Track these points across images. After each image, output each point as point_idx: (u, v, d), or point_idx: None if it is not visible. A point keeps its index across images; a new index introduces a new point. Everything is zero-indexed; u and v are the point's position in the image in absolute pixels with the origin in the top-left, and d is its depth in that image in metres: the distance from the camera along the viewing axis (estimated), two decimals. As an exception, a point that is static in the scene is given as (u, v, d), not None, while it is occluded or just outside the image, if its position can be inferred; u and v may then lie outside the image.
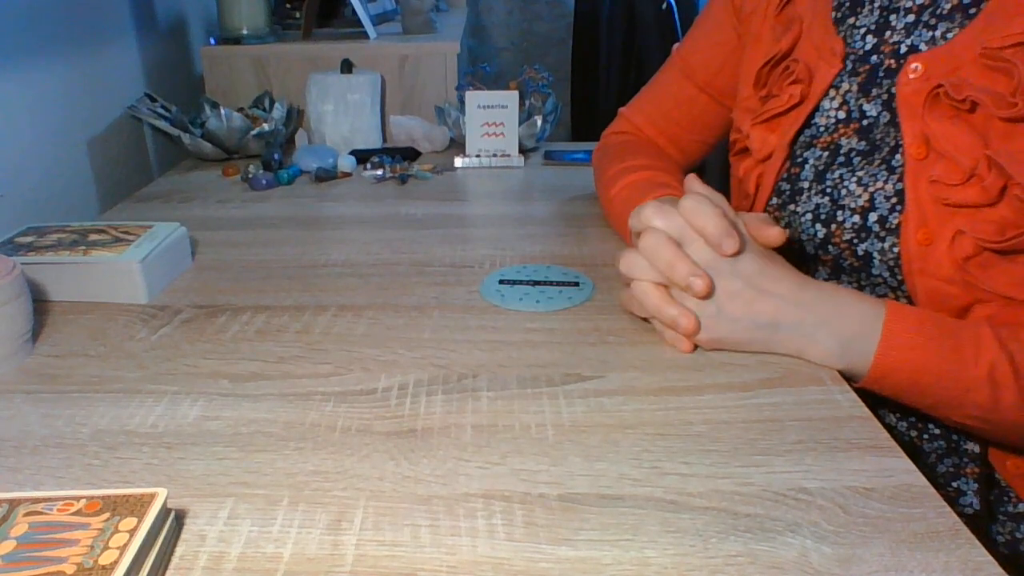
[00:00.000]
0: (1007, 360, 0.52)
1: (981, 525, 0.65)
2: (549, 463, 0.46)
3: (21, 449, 0.48)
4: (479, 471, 0.46)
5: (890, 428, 0.67)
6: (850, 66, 0.65)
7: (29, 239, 0.71)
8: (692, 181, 0.61)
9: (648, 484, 0.44)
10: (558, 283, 0.70)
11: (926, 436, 0.65)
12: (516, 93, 1.11)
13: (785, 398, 0.53)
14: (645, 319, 0.61)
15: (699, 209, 0.56)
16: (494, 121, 1.11)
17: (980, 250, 0.56)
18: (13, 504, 0.39)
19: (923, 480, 0.44)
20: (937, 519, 0.41)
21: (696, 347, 0.58)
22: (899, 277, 0.60)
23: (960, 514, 0.66)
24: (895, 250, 0.59)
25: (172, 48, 1.32)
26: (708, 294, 0.55)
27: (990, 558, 0.39)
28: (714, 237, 0.55)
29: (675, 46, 0.89)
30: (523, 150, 1.15)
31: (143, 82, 1.20)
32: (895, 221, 0.59)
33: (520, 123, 1.13)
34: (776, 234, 0.58)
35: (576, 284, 0.70)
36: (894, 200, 0.60)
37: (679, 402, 0.52)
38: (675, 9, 2.41)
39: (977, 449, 0.63)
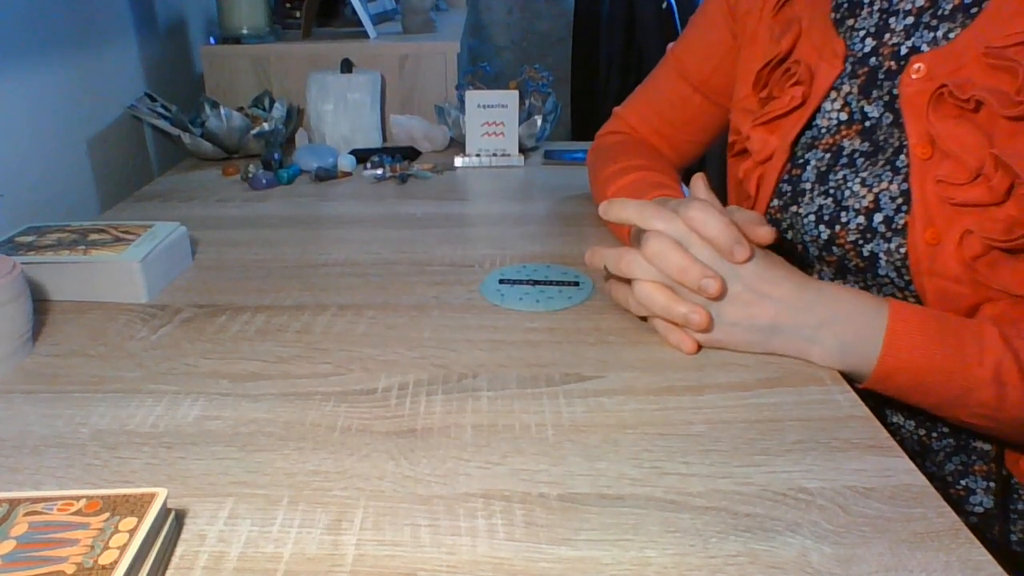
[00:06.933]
0: (1012, 358, 0.52)
1: (993, 524, 0.64)
2: (549, 463, 0.46)
3: (21, 449, 0.48)
4: (479, 471, 0.46)
5: (898, 427, 0.67)
6: (849, 68, 0.65)
7: (29, 239, 0.71)
8: (697, 186, 0.61)
9: (648, 484, 0.44)
10: (558, 283, 0.70)
11: (935, 434, 0.65)
12: (516, 93, 1.11)
13: (785, 398, 0.53)
14: (644, 319, 0.61)
15: (707, 219, 0.55)
16: (494, 121, 1.11)
17: (988, 249, 0.56)
18: (13, 504, 0.39)
19: (923, 480, 0.44)
20: (937, 519, 0.41)
21: (700, 347, 0.58)
22: (906, 277, 0.60)
23: (970, 513, 0.66)
24: (902, 250, 0.59)
25: (172, 48, 1.32)
26: (721, 295, 0.55)
27: (990, 558, 0.39)
28: (725, 246, 0.55)
29: (670, 45, 0.89)
30: (523, 150, 1.15)
31: (143, 82, 1.20)
32: (901, 221, 0.59)
33: (520, 123, 1.13)
34: (766, 233, 0.58)
35: (576, 284, 0.70)
36: (900, 200, 0.60)
37: (679, 402, 0.52)
38: (675, 9, 2.41)
39: (987, 447, 0.63)
